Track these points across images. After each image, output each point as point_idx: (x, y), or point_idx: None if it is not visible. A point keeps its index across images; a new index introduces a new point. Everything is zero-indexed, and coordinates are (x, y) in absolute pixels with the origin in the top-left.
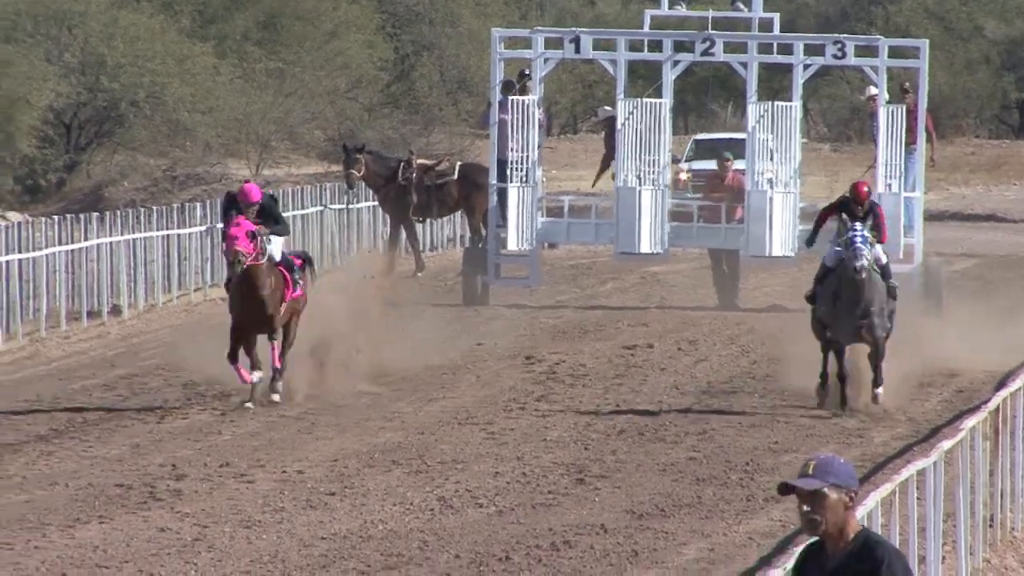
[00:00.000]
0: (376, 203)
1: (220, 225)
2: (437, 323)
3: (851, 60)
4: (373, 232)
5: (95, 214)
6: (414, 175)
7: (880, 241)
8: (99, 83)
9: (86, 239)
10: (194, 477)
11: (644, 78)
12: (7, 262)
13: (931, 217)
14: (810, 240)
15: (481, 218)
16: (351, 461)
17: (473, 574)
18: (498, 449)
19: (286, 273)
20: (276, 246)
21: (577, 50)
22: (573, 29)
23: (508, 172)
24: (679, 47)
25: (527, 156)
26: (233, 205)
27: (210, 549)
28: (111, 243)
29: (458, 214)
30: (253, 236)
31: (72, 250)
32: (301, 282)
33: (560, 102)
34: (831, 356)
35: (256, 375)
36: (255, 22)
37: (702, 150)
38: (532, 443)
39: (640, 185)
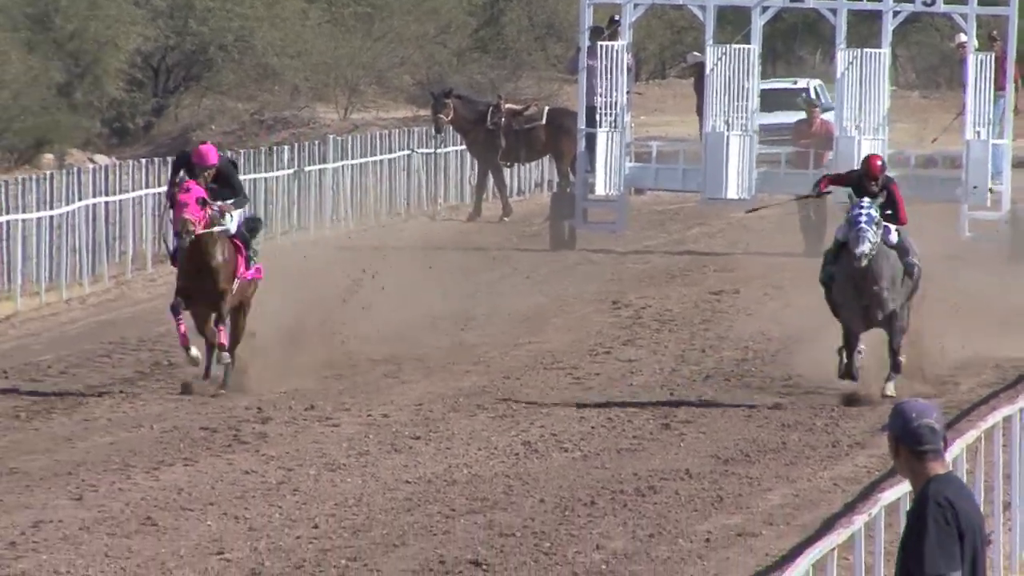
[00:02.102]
0: (464, 147)
1: (167, 192)
2: (524, 267)
3: (940, 7)
4: (460, 176)
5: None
6: (502, 120)
7: (898, 222)
8: (187, 27)
9: None
10: (279, 420)
11: (733, 24)
12: (94, 205)
13: (1019, 164)
14: (815, 195)
15: (569, 163)
16: (436, 405)
17: (558, 519)
18: (583, 393)
19: (241, 247)
20: (234, 220)
21: None
22: None
23: (597, 117)
24: None
25: (615, 101)
26: (185, 167)
27: (295, 492)
28: None
29: (545, 159)
30: (204, 203)
31: (159, 193)
32: (256, 260)
33: (649, 48)
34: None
35: (195, 351)
36: None
37: (767, 101)
38: (617, 388)
39: (728, 131)
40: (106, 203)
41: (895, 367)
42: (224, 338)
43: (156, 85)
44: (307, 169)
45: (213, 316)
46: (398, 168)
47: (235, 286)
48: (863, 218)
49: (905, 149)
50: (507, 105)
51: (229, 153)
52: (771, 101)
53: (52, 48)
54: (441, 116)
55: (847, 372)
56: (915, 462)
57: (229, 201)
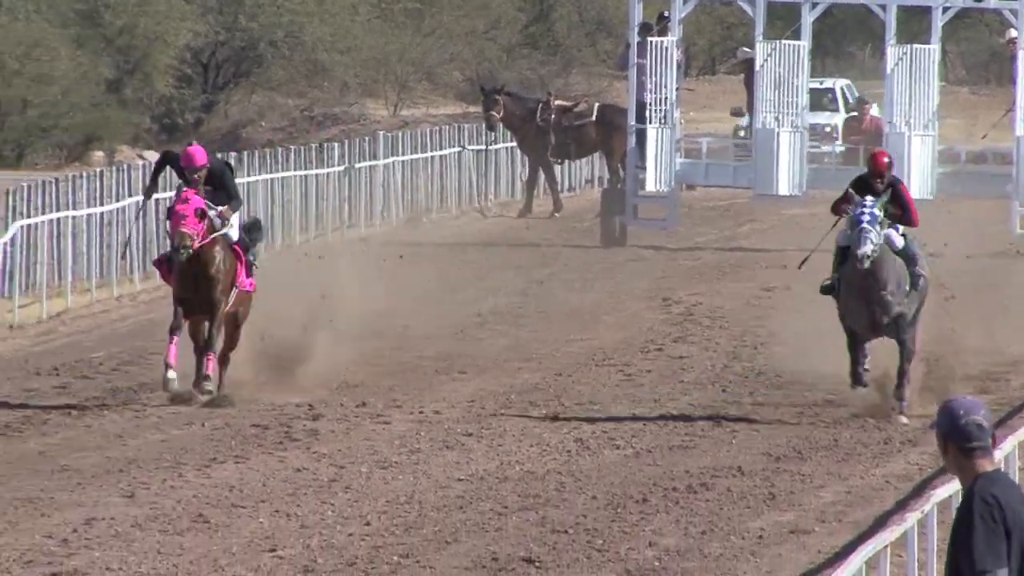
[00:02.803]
0: (514, 144)
1: (145, 189)
2: (575, 264)
3: (991, 3)
4: (511, 173)
5: (232, 154)
6: (552, 116)
7: (910, 224)
8: (237, 22)
9: None
10: (330, 417)
11: (783, 20)
12: (144, 201)
13: None
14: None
15: (619, 159)
16: (488, 402)
17: (610, 516)
18: (635, 390)
19: (241, 255)
20: (234, 226)
21: None
22: None
23: (647, 114)
24: None
25: (665, 97)
26: (175, 170)
27: (346, 489)
28: (248, 183)
29: (596, 155)
30: (203, 214)
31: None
32: (255, 266)
33: (698, 43)
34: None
35: (172, 373)
36: None
37: None
38: (669, 384)
39: (778, 127)
40: (157, 199)
41: (902, 383)
42: (211, 368)
43: (206, 81)
44: (357, 166)
45: (207, 324)
46: (449, 164)
47: (233, 295)
48: (866, 217)
49: (955, 145)
50: (557, 102)
51: (279, 150)
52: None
53: (101, 44)
54: (492, 113)
55: (856, 379)
56: (963, 459)
57: (225, 207)
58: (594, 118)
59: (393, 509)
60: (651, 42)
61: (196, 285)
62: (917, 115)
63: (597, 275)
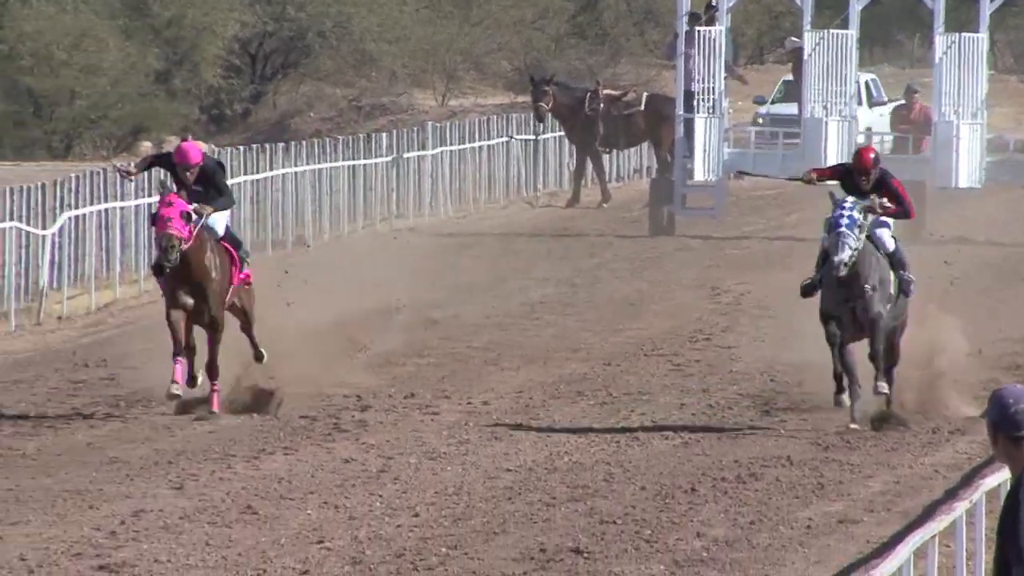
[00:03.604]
0: (562, 134)
1: (118, 169)
2: (623, 253)
3: None
4: (559, 162)
5: (280, 144)
6: (601, 106)
7: (906, 216)
8: (285, 13)
9: (271, 169)
10: (379, 408)
11: (831, 9)
12: None
13: None
14: (804, 180)
15: (668, 149)
16: (536, 393)
17: (658, 506)
18: (683, 380)
19: (232, 250)
20: (220, 220)
21: None
22: None
23: (695, 103)
24: None
25: (713, 87)
26: (168, 167)
27: (395, 480)
28: (296, 173)
29: (644, 145)
30: (188, 217)
31: (257, 180)
32: (248, 260)
33: (746, 33)
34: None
35: (176, 387)
36: None
37: (792, 91)
38: (718, 375)
39: (827, 116)
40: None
41: (879, 375)
42: (216, 404)
43: (254, 72)
44: (406, 156)
45: (208, 341)
46: (497, 154)
47: (230, 293)
48: (844, 221)
49: (1004, 134)
50: (605, 91)
51: (327, 140)
52: None
53: (149, 35)
54: (541, 104)
55: (839, 387)
56: (1012, 448)
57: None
58: (642, 108)
59: (441, 500)
60: (699, 31)
61: (191, 291)
62: (965, 104)
63: (645, 265)
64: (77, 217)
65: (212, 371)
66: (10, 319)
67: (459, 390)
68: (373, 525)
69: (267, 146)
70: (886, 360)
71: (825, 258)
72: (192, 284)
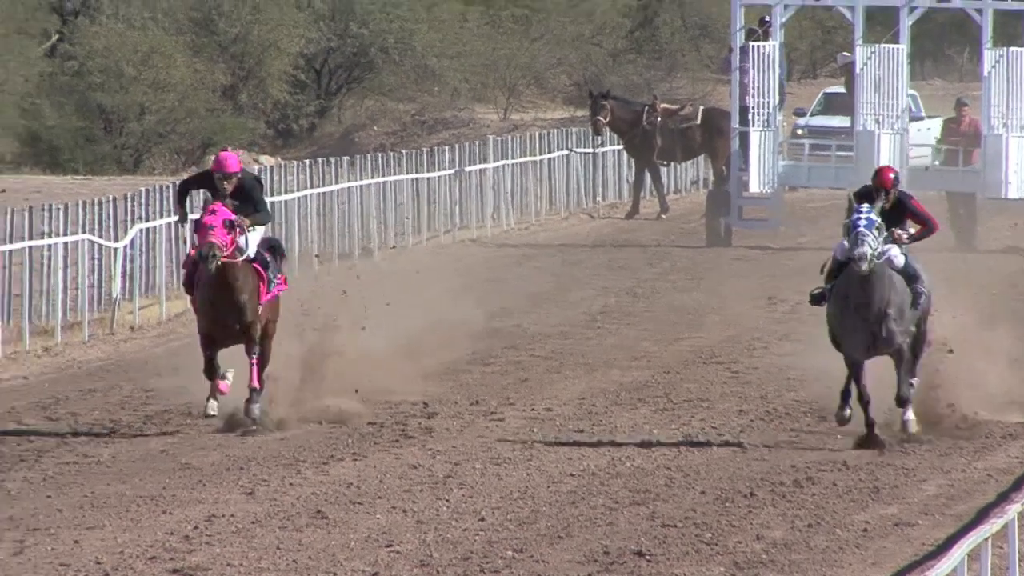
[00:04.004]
0: (621, 147)
1: (190, 218)
2: (681, 263)
3: None
4: (618, 175)
5: (345, 158)
6: (658, 120)
7: (931, 232)
8: (348, 30)
9: (336, 182)
10: (445, 415)
11: (882, 24)
12: None
13: None
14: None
15: (723, 161)
16: (599, 399)
17: (718, 510)
18: (742, 387)
19: (261, 271)
20: (253, 240)
21: None
22: None
23: (750, 117)
24: None
25: (767, 101)
26: (206, 181)
27: (461, 486)
28: (361, 186)
29: (701, 158)
30: (231, 226)
31: (323, 193)
32: (277, 281)
33: (799, 48)
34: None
35: (214, 405)
36: None
37: (832, 104)
38: (775, 382)
39: (879, 129)
40: (272, 202)
41: (902, 393)
42: (256, 379)
43: (319, 87)
44: (468, 169)
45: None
46: (557, 167)
47: (260, 313)
48: (862, 222)
49: None
50: (662, 105)
51: (391, 154)
52: (839, 104)
53: (216, 51)
54: (599, 118)
55: (859, 397)
56: None
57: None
58: (699, 121)
59: (507, 504)
60: (753, 46)
61: (225, 311)
62: (1014, 116)
63: (703, 275)
64: (148, 229)
65: (261, 357)
66: (84, 329)
67: (523, 397)
68: (440, 529)
69: (332, 160)
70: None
71: (837, 269)
72: (224, 297)
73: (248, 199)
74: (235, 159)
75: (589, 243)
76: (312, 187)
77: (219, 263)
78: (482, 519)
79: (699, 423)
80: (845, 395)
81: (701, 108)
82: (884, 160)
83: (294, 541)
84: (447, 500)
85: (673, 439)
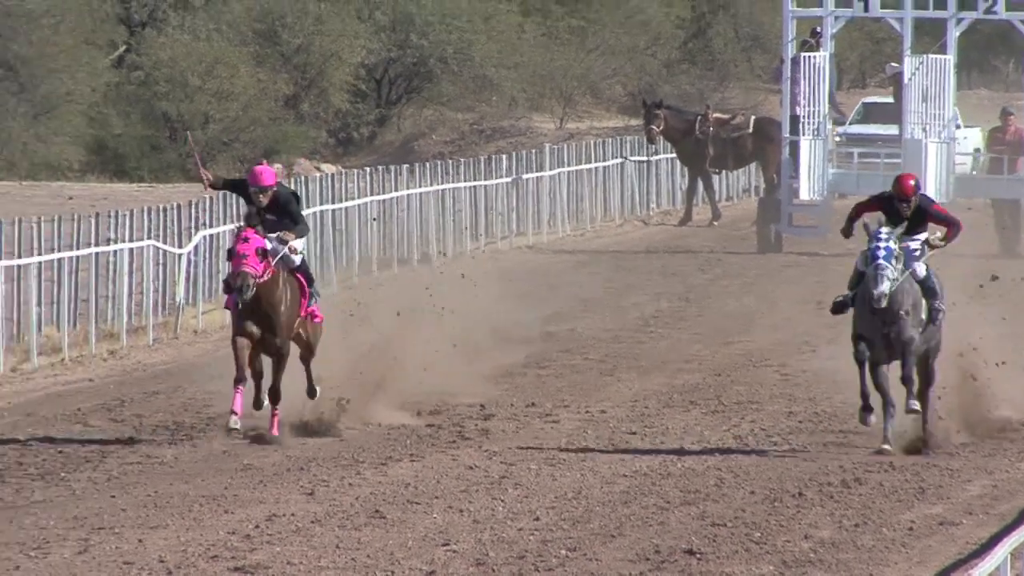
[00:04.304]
0: (674, 155)
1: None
2: (733, 269)
3: None
4: (671, 183)
5: (405, 166)
6: (710, 129)
7: (957, 234)
8: (408, 40)
9: (396, 190)
10: (501, 417)
11: (929, 35)
12: (322, 212)
13: None
14: (846, 231)
15: (775, 169)
16: (651, 401)
17: (767, 509)
18: (791, 390)
19: (304, 282)
20: (298, 252)
21: (866, 8)
22: None
23: (800, 126)
24: (963, 5)
25: (817, 110)
26: (242, 192)
27: (516, 486)
28: (420, 194)
29: (752, 166)
30: (264, 254)
31: (383, 200)
32: (318, 298)
33: (849, 58)
34: (868, 376)
35: (235, 420)
36: None
37: (871, 113)
38: (824, 384)
39: (926, 137)
40: (333, 210)
41: (911, 392)
42: (276, 428)
43: (379, 96)
44: (525, 177)
45: (273, 368)
46: (612, 175)
47: (296, 324)
48: (881, 253)
49: None
50: (715, 115)
51: (449, 162)
52: (878, 113)
53: (279, 62)
54: (653, 127)
55: (864, 405)
56: None
57: (283, 232)
58: (750, 130)
59: (561, 505)
60: (803, 57)
61: (260, 323)
62: None
63: (754, 280)
64: (211, 236)
65: (275, 396)
66: (149, 333)
67: (577, 399)
68: (496, 528)
69: (392, 168)
70: (920, 382)
71: (859, 278)
72: (261, 314)
73: (284, 212)
74: (271, 172)
75: (642, 249)
76: (372, 194)
77: (252, 292)
78: (537, 519)
79: (749, 425)
80: (865, 396)
81: (753, 117)
82: (931, 167)
83: (353, 540)
84: (503, 500)
85: (723, 440)
